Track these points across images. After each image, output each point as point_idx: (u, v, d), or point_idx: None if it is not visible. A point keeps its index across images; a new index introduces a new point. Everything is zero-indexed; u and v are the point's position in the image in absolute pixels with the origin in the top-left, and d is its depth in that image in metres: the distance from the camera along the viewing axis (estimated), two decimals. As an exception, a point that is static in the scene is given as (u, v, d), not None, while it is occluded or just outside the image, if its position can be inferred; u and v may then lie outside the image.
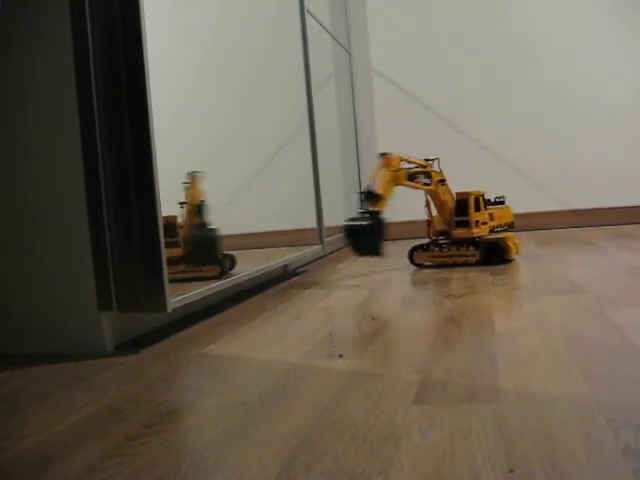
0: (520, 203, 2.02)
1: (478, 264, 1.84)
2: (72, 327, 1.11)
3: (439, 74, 3.03)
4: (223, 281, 1.39)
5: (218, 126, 1.66)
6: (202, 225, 1.60)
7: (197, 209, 1.59)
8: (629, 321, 1.02)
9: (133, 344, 1.16)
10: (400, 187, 1.89)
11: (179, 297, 1.16)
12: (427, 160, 1.90)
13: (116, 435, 0.70)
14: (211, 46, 1.67)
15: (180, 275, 1.44)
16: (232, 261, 1.55)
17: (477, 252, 1.85)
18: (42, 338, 1.13)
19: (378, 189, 1.76)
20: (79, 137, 1.08)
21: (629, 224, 2.85)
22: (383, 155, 1.84)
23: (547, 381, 0.76)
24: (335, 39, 2.85)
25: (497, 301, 1.30)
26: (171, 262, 1.44)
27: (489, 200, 1.98)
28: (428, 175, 1.88)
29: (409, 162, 1.88)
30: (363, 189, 1.79)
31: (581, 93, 2.92)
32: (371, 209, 1.75)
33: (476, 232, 1.87)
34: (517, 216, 2.12)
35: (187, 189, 1.56)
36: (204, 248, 1.60)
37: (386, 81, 3.10)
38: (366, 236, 1.76)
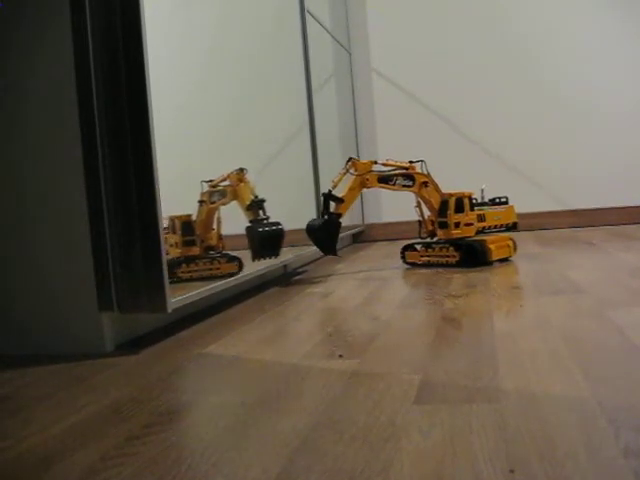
0: (520, 203, 2.01)
1: (458, 265, 1.83)
2: (72, 327, 1.11)
3: (439, 74, 3.03)
4: (223, 281, 1.39)
5: (218, 126, 1.66)
6: (263, 220, 1.61)
7: (256, 204, 1.60)
8: (629, 321, 1.03)
9: (133, 344, 1.16)
10: (394, 191, 1.91)
11: (179, 297, 1.16)
12: (411, 162, 1.90)
13: (117, 435, 0.70)
14: (211, 46, 1.67)
15: (197, 274, 1.44)
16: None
17: (457, 253, 1.84)
18: (42, 338, 1.13)
19: (343, 193, 1.87)
20: (79, 137, 1.08)
21: (629, 224, 2.85)
22: (350, 160, 1.89)
23: (547, 381, 0.76)
24: (335, 39, 2.85)
25: (497, 301, 1.30)
26: (190, 260, 1.44)
27: (485, 201, 1.97)
28: (410, 177, 1.88)
29: (386, 165, 1.89)
30: (324, 192, 1.88)
31: (581, 93, 2.92)
32: (332, 211, 1.87)
33: (456, 233, 1.85)
34: (517, 216, 2.10)
35: (233, 185, 1.57)
36: (270, 242, 1.62)
37: (386, 81, 3.10)
38: (319, 235, 1.88)
